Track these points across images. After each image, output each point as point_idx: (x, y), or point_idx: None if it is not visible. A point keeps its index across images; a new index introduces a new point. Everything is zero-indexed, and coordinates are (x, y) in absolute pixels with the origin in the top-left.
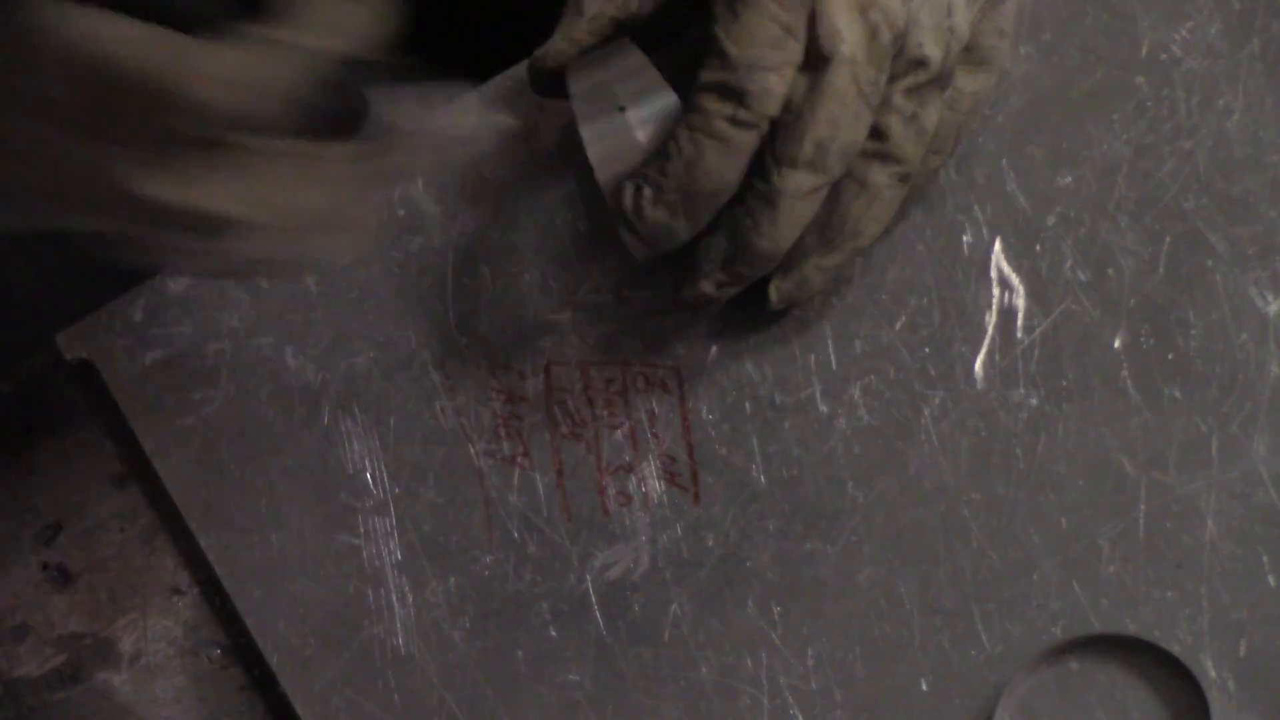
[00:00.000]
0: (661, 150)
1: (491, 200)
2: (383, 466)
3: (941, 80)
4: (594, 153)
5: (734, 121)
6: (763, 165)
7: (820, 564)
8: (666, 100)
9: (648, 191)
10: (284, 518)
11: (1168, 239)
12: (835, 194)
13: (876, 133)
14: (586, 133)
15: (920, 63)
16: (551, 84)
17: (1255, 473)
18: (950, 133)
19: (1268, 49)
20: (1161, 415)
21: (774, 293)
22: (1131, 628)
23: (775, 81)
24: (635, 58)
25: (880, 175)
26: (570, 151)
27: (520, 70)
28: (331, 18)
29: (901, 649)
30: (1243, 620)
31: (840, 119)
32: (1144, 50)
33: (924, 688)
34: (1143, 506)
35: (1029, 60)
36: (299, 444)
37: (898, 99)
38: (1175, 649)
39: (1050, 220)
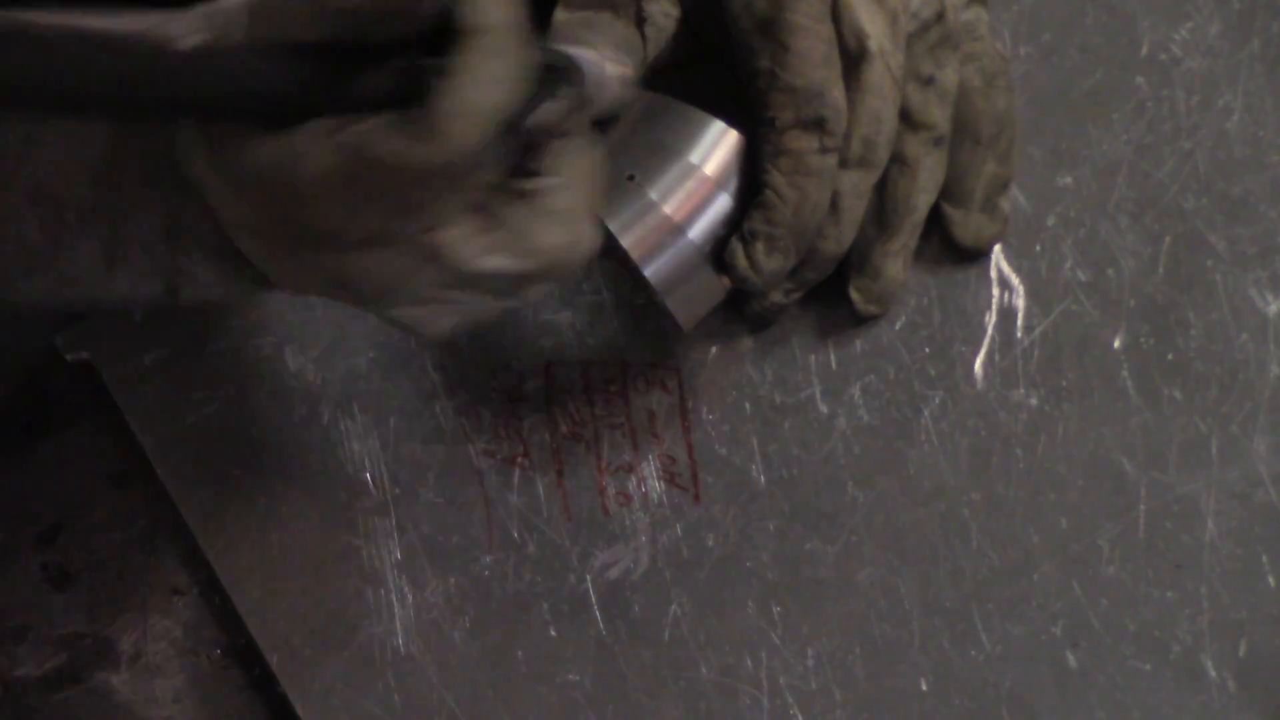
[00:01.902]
0: (761, 201)
1: None
2: (383, 466)
3: (947, 36)
4: (629, 242)
5: (823, 151)
6: None
7: (820, 564)
8: (679, 163)
9: (760, 245)
10: (284, 518)
11: (1168, 239)
12: (879, 179)
13: (899, 108)
14: (614, 225)
15: (922, 25)
16: None
17: (1255, 473)
18: (992, 58)
19: (1268, 49)
20: (1161, 415)
21: (855, 295)
22: (1131, 627)
23: (841, 96)
24: (657, 129)
25: (914, 147)
26: None
27: None
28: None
29: (901, 649)
30: (1243, 620)
31: (882, 112)
32: (1144, 50)
33: (924, 688)
34: (1143, 506)
35: (1029, 61)
36: (299, 444)
37: (912, 65)
38: (1175, 649)
39: (1050, 220)
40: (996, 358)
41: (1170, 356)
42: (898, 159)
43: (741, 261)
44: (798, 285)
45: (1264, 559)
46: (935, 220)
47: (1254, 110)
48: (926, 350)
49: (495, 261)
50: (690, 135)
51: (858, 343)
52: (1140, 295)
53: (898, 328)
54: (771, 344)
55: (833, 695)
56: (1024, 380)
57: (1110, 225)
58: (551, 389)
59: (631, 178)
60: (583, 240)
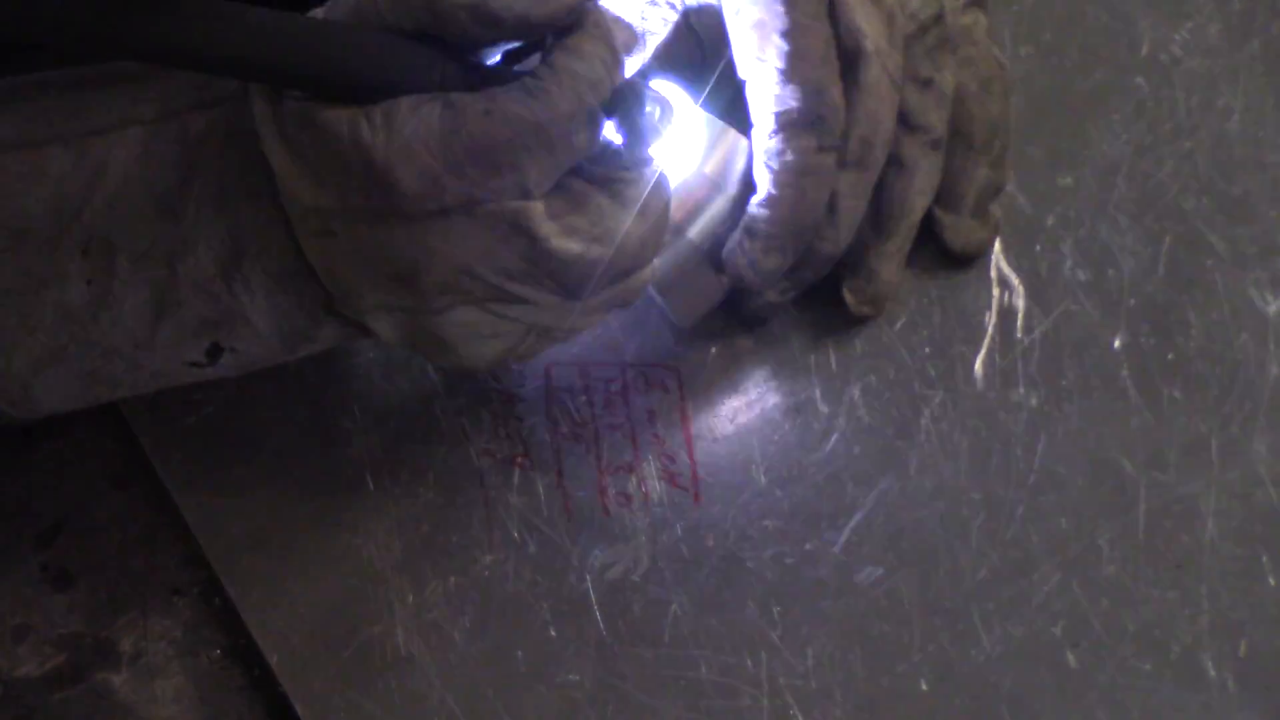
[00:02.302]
0: (759, 201)
1: None
2: (383, 467)
3: (945, 39)
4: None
5: (820, 150)
6: None
7: (820, 564)
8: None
9: (758, 244)
10: (284, 518)
11: (1168, 239)
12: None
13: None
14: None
15: (936, 19)
16: None
17: (1255, 473)
18: (989, 62)
19: (1268, 49)
20: (1161, 415)
21: (849, 296)
22: (1131, 628)
23: (838, 95)
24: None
25: (911, 148)
26: None
27: None
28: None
29: (901, 649)
30: (1243, 620)
31: (879, 113)
32: (1144, 50)
33: (924, 688)
34: (1143, 506)
35: (1029, 61)
36: (299, 444)
37: (910, 67)
38: (1175, 649)
39: (1050, 220)
40: (996, 358)
41: (1170, 356)
42: (895, 161)
43: (740, 260)
44: (794, 284)
45: (1264, 559)
46: (928, 225)
47: (1254, 110)
48: (926, 350)
49: (572, 245)
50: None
51: (858, 343)
52: (1140, 295)
53: (898, 328)
54: (771, 344)
55: (833, 695)
56: (1024, 380)
57: (1110, 225)
58: (551, 389)
59: None
60: (655, 236)
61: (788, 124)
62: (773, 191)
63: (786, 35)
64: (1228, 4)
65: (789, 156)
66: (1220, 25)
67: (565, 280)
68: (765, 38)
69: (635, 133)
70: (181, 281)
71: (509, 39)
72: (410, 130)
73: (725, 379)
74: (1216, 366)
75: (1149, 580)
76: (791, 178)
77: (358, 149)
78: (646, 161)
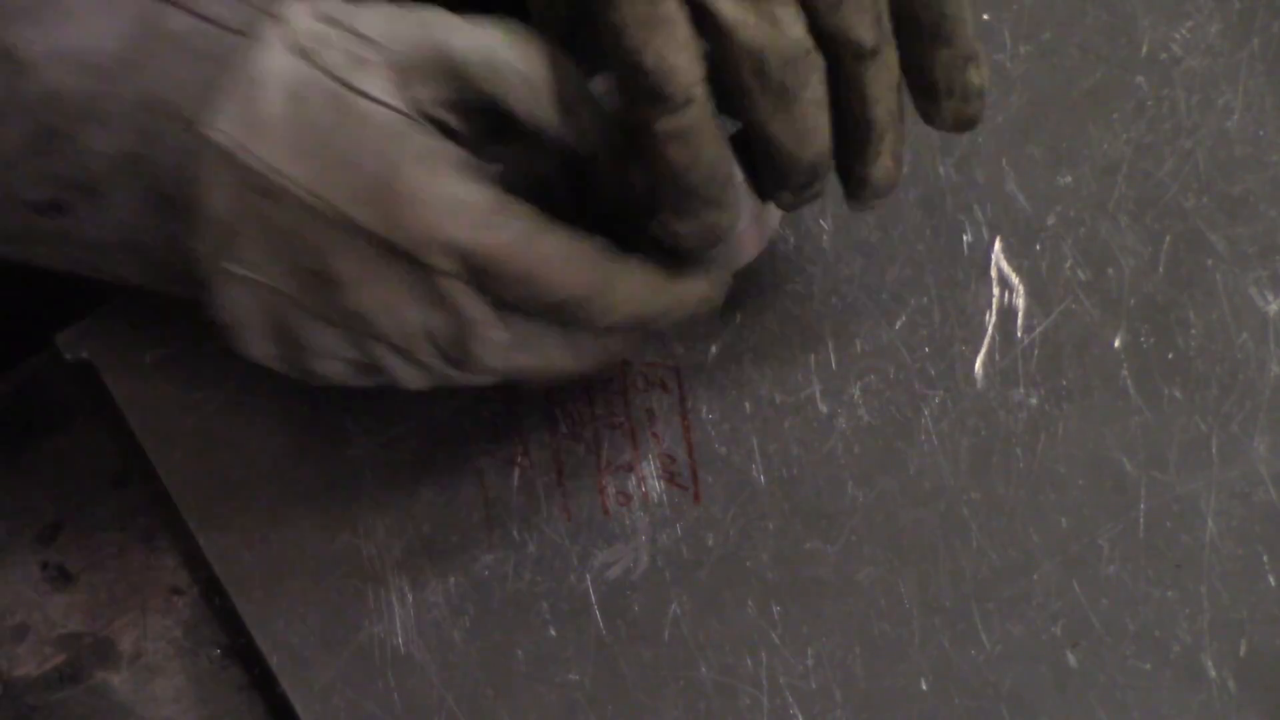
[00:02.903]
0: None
1: None
2: (383, 467)
3: None
4: None
5: (668, 113)
6: (752, 123)
7: (820, 564)
8: None
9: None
10: (284, 518)
11: (1168, 238)
12: (834, 103)
13: (824, 31)
14: None
15: None
16: None
17: (1255, 473)
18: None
19: (1268, 49)
20: (1161, 415)
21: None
22: (1131, 627)
23: (673, 53)
24: None
25: (851, 66)
26: None
27: None
28: None
29: (901, 649)
30: (1243, 620)
31: (757, 39)
32: (1144, 50)
33: (924, 688)
34: (1143, 506)
35: (1029, 60)
36: (299, 444)
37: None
38: (1175, 649)
39: (1050, 220)
40: (996, 357)
41: (1170, 356)
42: (847, 84)
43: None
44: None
45: (1264, 559)
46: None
47: (1254, 110)
48: (926, 350)
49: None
50: None
51: (858, 342)
52: (1140, 295)
53: (898, 328)
54: (771, 344)
55: (833, 695)
56: (1024, 380)
57: (1110, 225)
58: (551, 389)
59: None
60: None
61: (626, 103)
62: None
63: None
64: (1228, 4)
65: (638, 134)
66: (1220, 25)
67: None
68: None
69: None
70: (67, 140)
71: None
72: (454, 197)
73: (725, 379)
74: (1216, 366)
75: (1149, 580)
76: (653, 149)
77: (390, 168)
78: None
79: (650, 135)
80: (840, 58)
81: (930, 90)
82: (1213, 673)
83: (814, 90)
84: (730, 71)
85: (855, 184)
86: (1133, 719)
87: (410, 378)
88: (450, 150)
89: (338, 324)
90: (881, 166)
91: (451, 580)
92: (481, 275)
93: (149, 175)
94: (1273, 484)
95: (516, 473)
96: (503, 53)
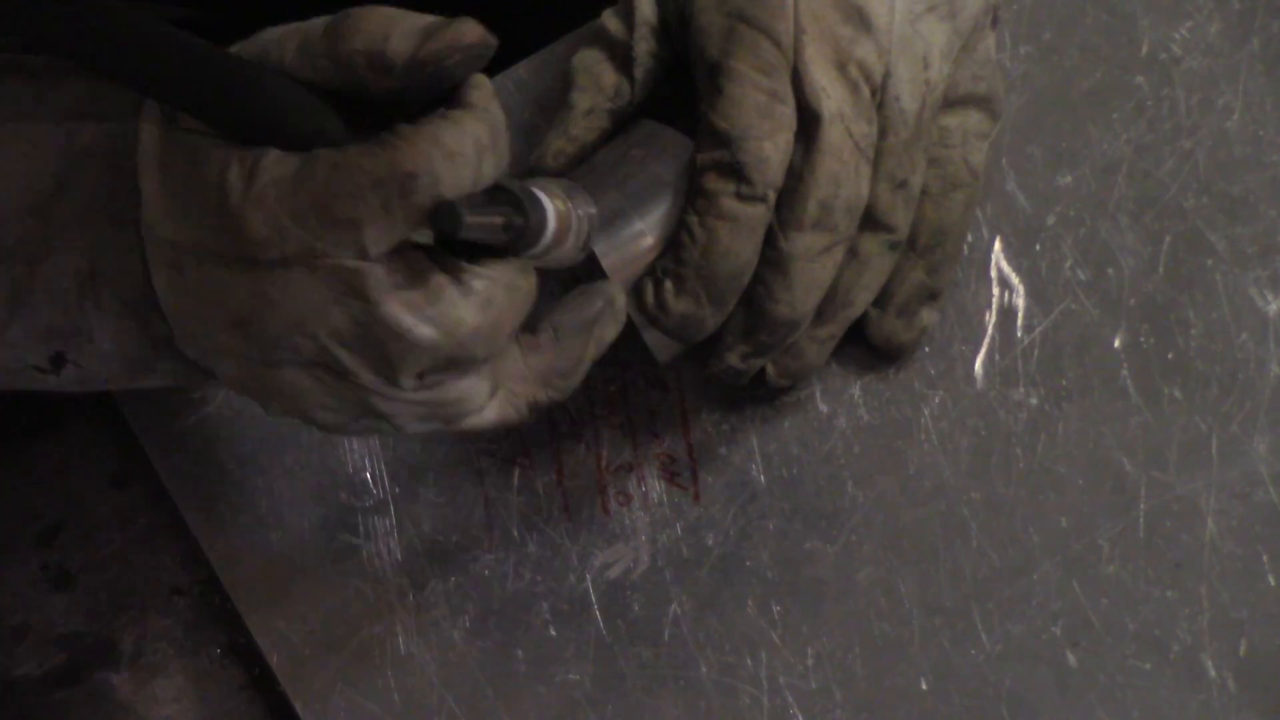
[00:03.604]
0: (675, 240)
1: None
2: (383, 466)
3: (922, 135)
4: (609, 264)
5: (739, 197)
6: (771, 233)
7: (820, 564)
8: (634, 227)
9: (668, 284)
10: (284, 518)
11: (1168, 239)
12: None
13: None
14: (600, 246)
15: (899, 117)
16: None
17: (1255, 473)
18: (958, 168)
19: (1268, 49)
20: (1161, 415)
21: (770, 367)
22: (1131, 627)
23: (770, 149)
24: (603, 176)
25: (870, 243)
26: None
27: (518, 70)
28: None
29: (901, 649)
30: (1243, 620)
31: (841, 175)
32: (1144, 50)
33: (924, 687)
34: (1143, 506)
35: (1029, 60)
36: (299, 444)
37: (887, 163)
38: (1175, 649)
39: (1050, 220)
40: (996, 357)
41: (1170, 356)
42: (850, 250)
43: (649, 298)
44: (754, 350)
45: (1264, 558)
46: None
47: (1254, 110)
48: (926, 350)
49: (403, 316)
50: (684, 170)
51: (858, 342)
52: (1140, 295)
53: None
54: None
55: (833, 695)
56: (1024, 380)
57: (1110, 225)
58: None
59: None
60: (493, 333)
61: (705, 166)
62: (685, 231)
63: (724, 80)
64: (1228, 4)
65: (704, 199)
66: (1220, 25)
67: (389, 354)
68: (709, 82)
69: (491, 231)
70: (37, 285)
71: (405, 85)
72: (267, 178)
73: None
74: (1216, 366)
75: (1149, 580)
76: (704, 220)
77: (220, 190)
78: (509, 255)
79: (711, 207)
80: (860, 237)
81: (886, 298)
82: (1212, 673)
83: (839, 253)
84: (791, 199)
85: (781, 360)
86: (1133, 719)
87: (387, 406)
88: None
89: (279, 362)
90: (814, 351)
91: (451, 580)
92: (329, 225)
93: (113, 288)
94: (1273, 484)
95: (516, 473)
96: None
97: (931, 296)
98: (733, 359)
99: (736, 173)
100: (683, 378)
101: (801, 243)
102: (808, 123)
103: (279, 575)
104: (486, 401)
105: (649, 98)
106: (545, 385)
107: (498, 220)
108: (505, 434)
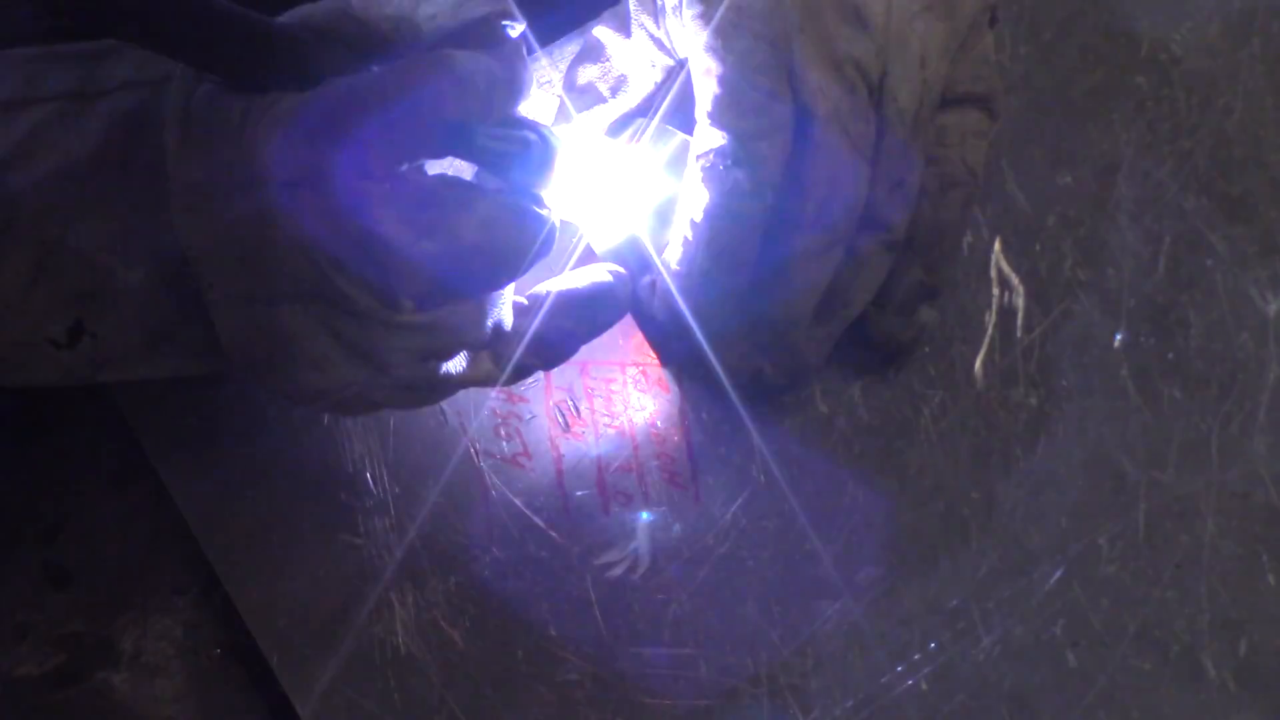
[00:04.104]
0: (678, 237)
1: None
2: (383, 466)
3: (919, 135)
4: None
5: (739, 195)
6: (769, 233)
7: (820, 564)
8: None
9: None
10: (284, 518)
11: (1168, 239)
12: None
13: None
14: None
15: (896, 116)
16: None
17: (1255, 472)
18: (956, 167)
19: (1268, 49)
20: (1161, 415)
21: (767, 366)
22: (1131, 627)
23: (767, 148)
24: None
25: (869, 243)
26: None
27: None
28: None
29: (901, 649)
30: (1243, 620)
31: (838, 176)
32: (1144, 50)
33: (924, 687)
34: (1143, 506)
35: (1029, 60)
36: (299, 444)
37: (885, 163)
38: (1175, 649)
39: (1050, 220)
40: (996, 357)
41: (1170, 356)
42: (849, 250)
43: (644, 297)
44: (751, 349)
45: (1264, 558)
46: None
47: (1254, 110)
48: (926, 350)
49: (403, 233)
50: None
51: (858, 343)
52: (1140, 295)
53: None
54: None
55: (833, 695)
56: (1024, 380)
57: (1110, 225)
58: (551, 389)
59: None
60: (501, 260)
61: (705, 165)
62: (686, 230)
63: (719, 81)
64: (1228, 4)
65: (702, 197)
66: (1220, 25)
67: (387, 273)
68: (705, 86)
69: (486, 161)
70: (68, 244)
71: (374, 46)
72: (282, 105)
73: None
74: (1216, 366)
75: (1149, 580)
76: (703, 218)
77: (240, 125)
78: (507, 188)
79: (715, 206)
80: (858, 236)
81: (885, 296)
82: (1212, 672)
83: (837, 255)
84: (792, 199)
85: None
86: (1132, 719)
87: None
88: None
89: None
90: (812, 350)
91: (451, 580)
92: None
93: (142, 244)
94: (1273, 484)
95: (517, 472)
96: None
97: (930, 295)
98: (730, 358)
99: (736, 169)
100: (683, 378)
101: (801, 244)
102: (803, 123)
103: (279, 576)
104: (483, 335)
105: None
106: (533, 351)
107: (504, 147)
108: (505, 434)
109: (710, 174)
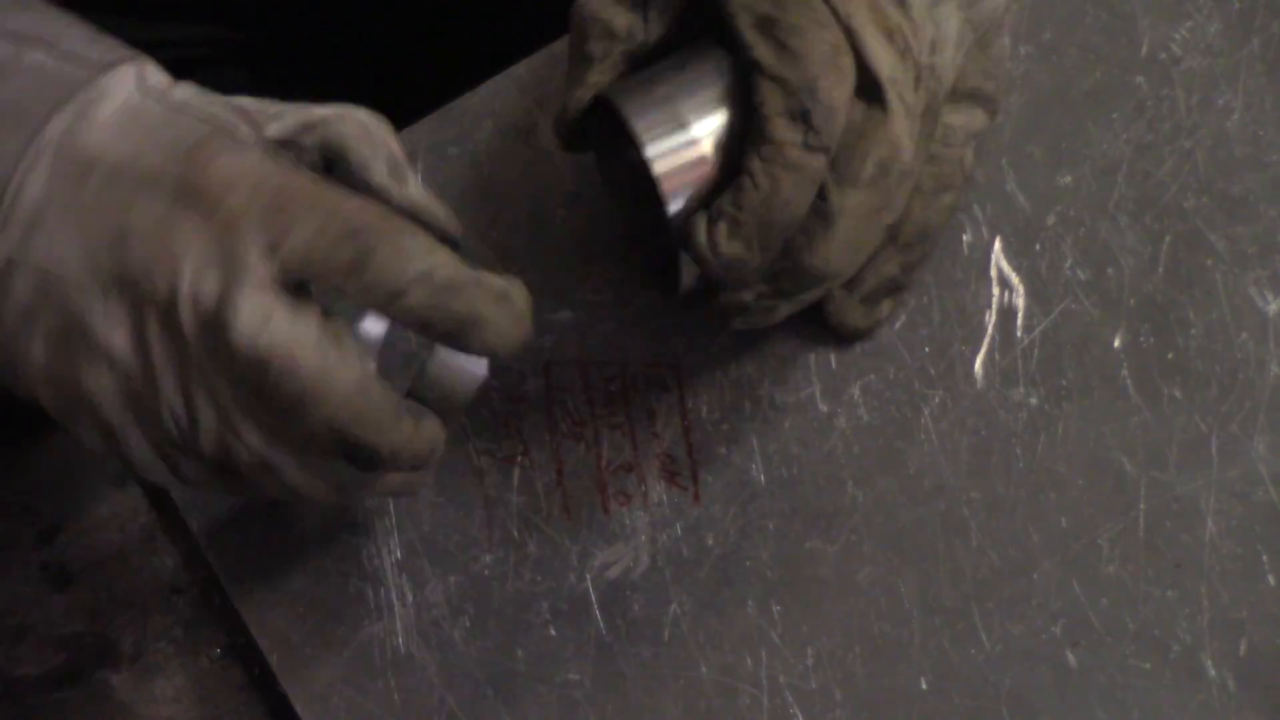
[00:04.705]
0: (736, 183)
1: (491, 201)
2: None
3: (928, 125)
4: (660, 169)
5: (806, 147)
6: (824, 185)
7: (820, 564)
8: (725, 117)
9: (723, 225)
10: (284, 518)
11: (1168, 239)
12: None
13: None
14: (652, 150)
15: (928, 95)
16: (579, 136)
17: (1255, 472)
18: (953, 169)
19: (1268, 49)
20: (1161, 415)
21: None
22: (1131, 627)
23: (839, 95)
24: (687, 74)
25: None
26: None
27: (519, 69)
28: None
29: (901, 649)
30: (1243, 620)
31: (901, 140)
32: (1144, 50)
33: (924, 687)
34: (1143, 506)
35: (1029, 60)
36: None
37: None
38: (1175, 648)
39: (1050, 220)
40: (996, 357)
41: (1170, 356)
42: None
43: (701, 237)
44: (773, 294)
45: (1264, 558)
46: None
47: (1254, 110)
48: (926, 350)
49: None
50: (732, 88)
51: (858, 342)
52: (1140, 295)
53: (898, 327)
54: (772, 343)
55: (833, 695)
56: (1024, 379)
57: (1110, 225)
58: (551, 388)
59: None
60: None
61: (774, 113)
62: (748, 176)
63: (787, 36)
64: (1228, 4)
65: (770, 146)
66: (1220, 25)
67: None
68: (764, 35)
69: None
70: None
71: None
72: (255, 151)
73: (725, 378)
74: (1216, 366)
75: (1149, 580)
76: (769, 167)
77: (195, 135)
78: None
79: (778, 155)
80: None
81: (856, 283)
82: (1212, 672)
83: (886, 220)
84: (849, 155)
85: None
86: (1133, 719)
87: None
88: (258, 142)
89: (117, 290)
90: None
91: (451, 580)
92: (270, 212)
93: None
94: (1273, 484)
95: (516, 473)
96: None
97: (898, 289)
98: (749, 296)
99: (806, 121)
100: (683, 378)
101: (854, 198)
102: (867, 84)
103: (279, 575)
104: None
105: (671, 40)
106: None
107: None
108: (505, 434)
109: (781, 122)
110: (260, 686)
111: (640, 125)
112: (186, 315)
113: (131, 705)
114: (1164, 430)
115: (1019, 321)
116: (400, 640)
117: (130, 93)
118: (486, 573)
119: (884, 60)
